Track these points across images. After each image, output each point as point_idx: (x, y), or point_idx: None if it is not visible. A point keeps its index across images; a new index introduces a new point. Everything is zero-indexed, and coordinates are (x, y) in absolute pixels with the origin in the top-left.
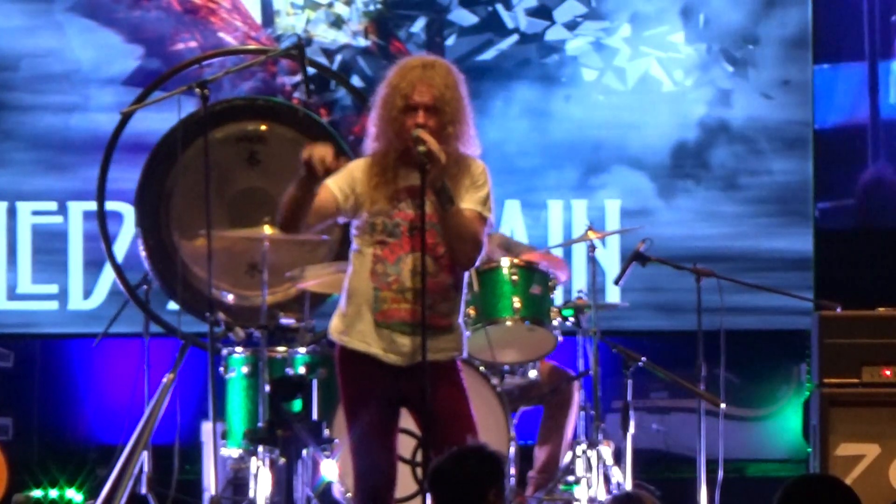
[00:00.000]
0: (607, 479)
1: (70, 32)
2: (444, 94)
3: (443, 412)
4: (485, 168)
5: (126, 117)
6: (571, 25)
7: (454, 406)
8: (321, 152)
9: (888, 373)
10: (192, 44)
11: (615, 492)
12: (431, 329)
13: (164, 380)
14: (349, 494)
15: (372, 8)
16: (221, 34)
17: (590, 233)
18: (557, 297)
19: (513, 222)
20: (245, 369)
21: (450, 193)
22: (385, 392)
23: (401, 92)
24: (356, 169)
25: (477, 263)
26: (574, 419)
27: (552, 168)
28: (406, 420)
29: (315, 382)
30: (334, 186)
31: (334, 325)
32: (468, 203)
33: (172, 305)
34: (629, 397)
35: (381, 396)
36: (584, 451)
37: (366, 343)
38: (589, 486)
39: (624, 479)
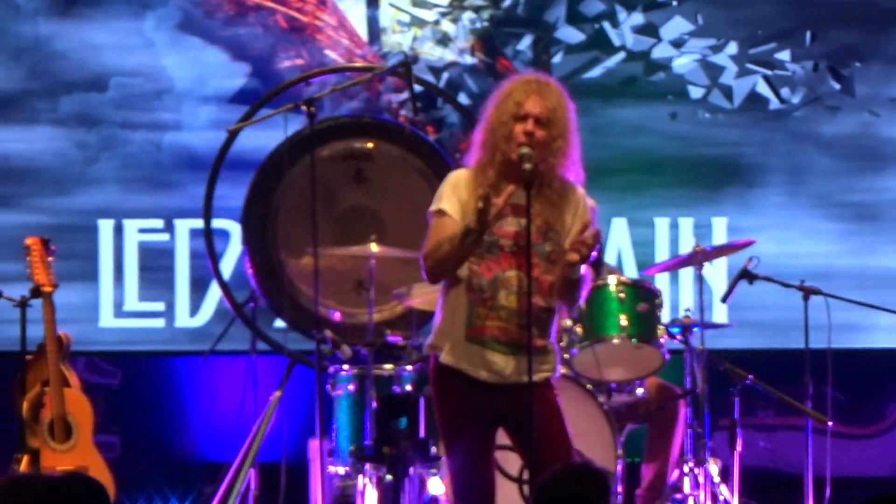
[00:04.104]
0: (714, 498)
1: (176, 50)
2: (556, 110)
3: (538, 433)
4: (584, 195)
5: (233, 135)
6: (678, 43)
7: (549, 426)
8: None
9: None
10: (299, 61)
11: None
12: (526, 349)
13: (271, 398)
14: None
15: (479, 25)
16: (327, 52)
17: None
18: (664, 314)
19: (619, 240)
20: (352, 387)
21: (575, 269)
22: (479, 409)
23: (514, 98)
24: (458, 181)
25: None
26: (681, 437)
27: (659, 186)
28: (505, 437)
29: (422, 400)
30: (457, 217)
31: (428, 339)
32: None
33: (279, 323)
34: (736, 415)
35: (475, 413)
36: (691, 469)
37: (456, 358)
38: None
39: (731, 497)
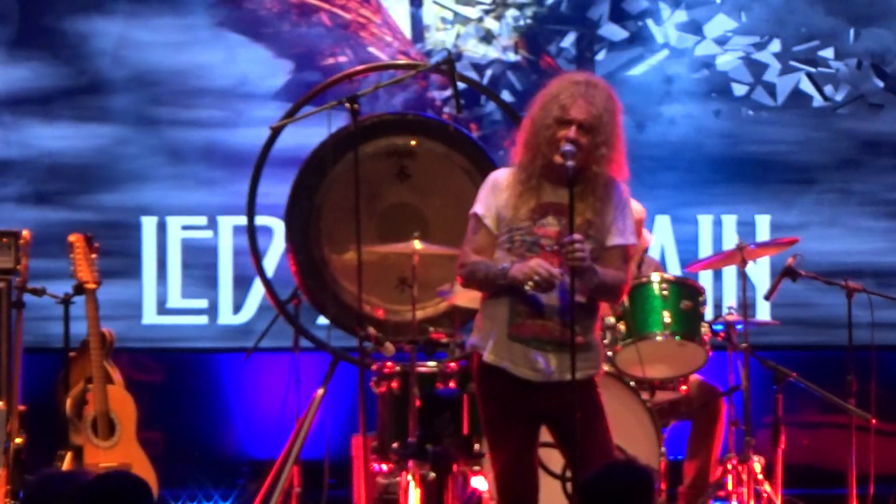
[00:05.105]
0: (758, 495)
1: (219, 48)
2: (602, 116)
3: (580, 432)
4: (628, 192)
5: (276, 132)
6: (721, 41)
7: (590, 425)
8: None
9: None
10: (343, 58)
11: None
12: (567, 347)
13: (315, 395)
14: None
15: (522, 23)
16: (372, 49)
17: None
18: (708, 312)
19: (663, 237)
20: (395, 384)
21: (594, 275)
22: (522, 407)
23: (559, 102)
24: (497, 182)
25: (624, 297)
26: (723, 434)
27: (702, 183)
28: (546, 435)
29: (465, 397)
30: (490, 224)
31: (471, 338)
32: (616, 237)
33: (322, 320)
34: (780, 412)
35: (519, 412)
36: (734, 466)
37: (498, 357)
38: (739, 502)
39: (774, 494)
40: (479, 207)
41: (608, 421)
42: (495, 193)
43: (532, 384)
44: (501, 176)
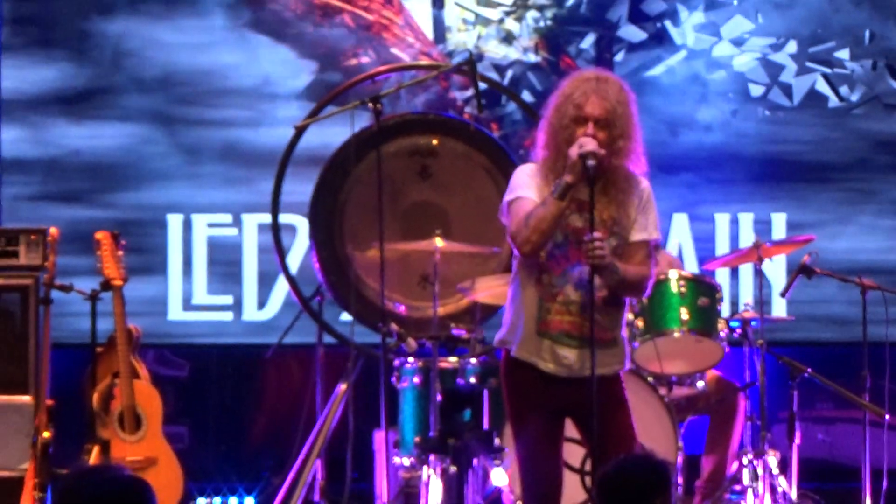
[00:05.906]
0: (773, 489)
1: (243, 48)
2: (616, 109)
3: (605, 426)
4: (649, 186)
5: (300, 131)
6: (738, 42)
7: (616, 420)
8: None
9: None
10: (365, 59)
11: (781, 501)
12: (595, 342)
13: (338, 390)
14: (519, 503)
15: (542, 24)
16: (394, 50)
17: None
18: (724, 309)
19: (680, 235)
20: (417, 379)
21: (615, 272)
22: (548, 402)
23: (573, 102)
24: (532, 172)
25: (648, 291)
26: (740, 429)
27: (719, 182)
28: (571, 429)
29: (486, 392)
30: (535, 197)
31: (499, 334)
32: (639, 232)
33: (345, 316)
34: (795, 407)
35: (545, 406)
36: (750, 461)
37: (528, 352)
38: (755, 496)
39: (789, 488)
40: (520, 191)
41: (632, 417)
42: (533, 179)
43: (558, 379)
44: (532, 167)
